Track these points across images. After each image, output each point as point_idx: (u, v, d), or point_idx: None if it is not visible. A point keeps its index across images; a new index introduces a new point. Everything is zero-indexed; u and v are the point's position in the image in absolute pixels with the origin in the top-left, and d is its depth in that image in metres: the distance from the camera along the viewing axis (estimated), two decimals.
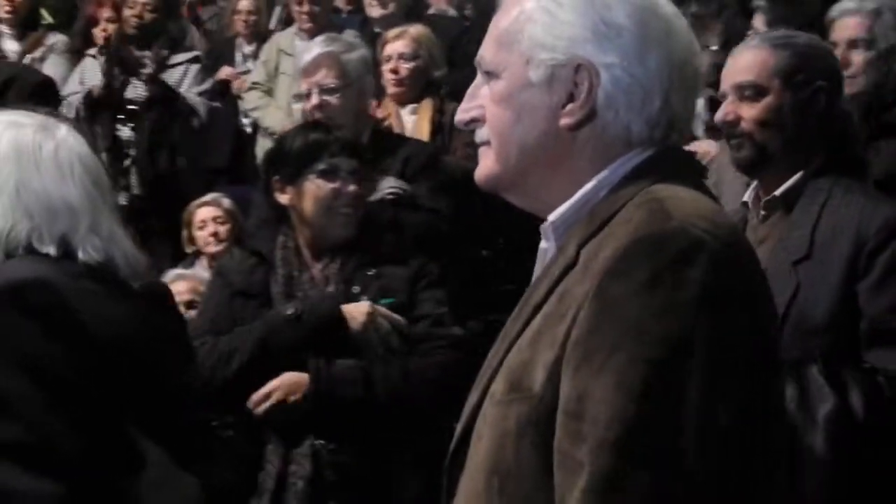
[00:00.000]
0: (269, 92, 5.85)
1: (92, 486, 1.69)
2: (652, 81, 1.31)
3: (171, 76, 5.26)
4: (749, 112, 2.42)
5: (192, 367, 2.09)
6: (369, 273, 2.98)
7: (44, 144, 1.84)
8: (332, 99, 3.53)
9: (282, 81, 5.78)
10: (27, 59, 5.44)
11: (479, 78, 1.39)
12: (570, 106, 1.32)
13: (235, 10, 6.66)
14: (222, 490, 2.04)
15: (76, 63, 5.52)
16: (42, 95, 3.69)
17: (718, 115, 2.47)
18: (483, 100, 1.38)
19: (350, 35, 4.81)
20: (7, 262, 1.76)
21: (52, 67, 5.33)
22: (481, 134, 1.40)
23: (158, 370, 1.84)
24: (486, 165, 1.39)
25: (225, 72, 6.12)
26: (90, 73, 5.25)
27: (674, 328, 1.17)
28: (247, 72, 6.28)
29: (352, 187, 3.00)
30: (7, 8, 5.64)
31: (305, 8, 5.71)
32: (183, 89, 5.25)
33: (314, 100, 3.54)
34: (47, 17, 6.06)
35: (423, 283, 3.03)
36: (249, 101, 5.90)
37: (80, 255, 1.80)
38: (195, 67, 5.37)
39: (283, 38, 6.04)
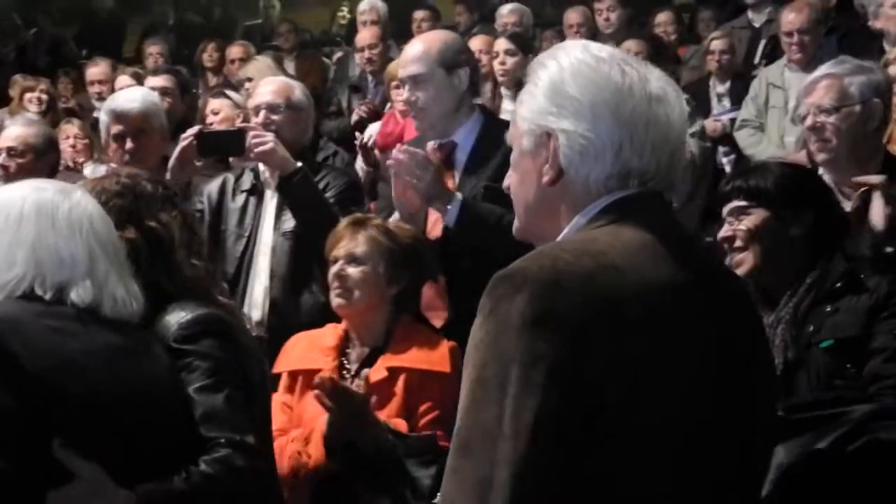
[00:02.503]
0: (761, 127, 5.75)
1: (10, 499, 1.91)
2: (602, 141, 1.58)
3: None
4: None
5: (163, 397, 2.20)
6: (827, 309, 2.68)
7: (60, 205, 2.15)
8: (826, 119, 3.40)
9: (772, 115, 5.66)
10: None
11: None
12: (545, 167, 1.61)
13: (708, 49, 6.65)
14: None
15: None
16: None
17: None
18: None
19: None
20: None
21: None
22: None
23: (111, 394, 2.06)
24: (515, 223, 1.72)
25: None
26: None
27: (503, 350, 1.44)
28: (723, 113, 6.26)
29: None
30: (501, 70, 6.02)
31: (795, 39, 5.55)
32: None
33: (808, 121, 3.44)
34: None
35: (886, 312, 2.65)
36: (741, 138, 5.82)
37: (72, 297, 2.10)
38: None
39: (772, 72, 5.91)
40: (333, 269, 3.21)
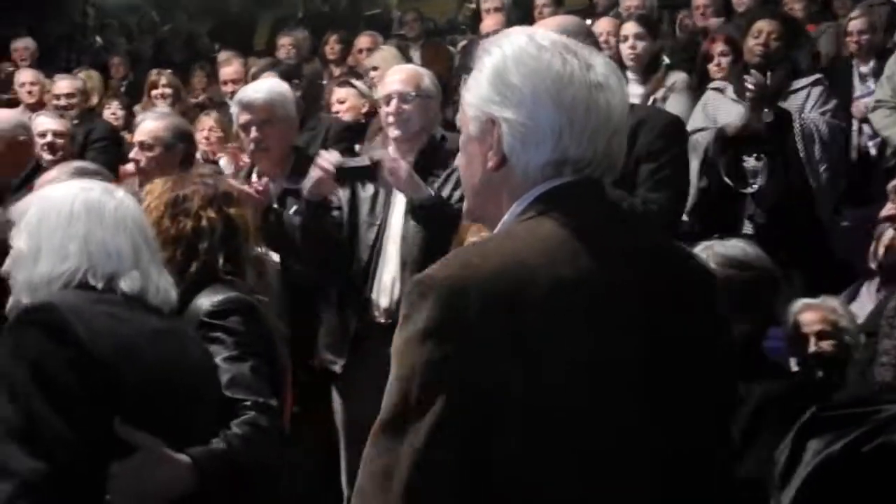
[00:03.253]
0: None
1: (77, 468, 2.12)
2: (542, 129, 1.61)
3: (793, 101, 5.16)
4: None
5: (199, 373, 2.42)
6: None
7: (107, 204, 2.38)
8: None
9: None
10: (650, 101, 5.65)
11: None
12: (489, 153, 1.66)
13: (846, 30, 6.42)
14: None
15: (696, 99, 5.63)
16: (671, 134, 3.81)
17: None
18: None
19: None
20: (52, 293, 2.27)
21: (673, 105, 5.50)
22: None
23: (162, 374, 2.27)
24: (464, 204, 1.81)
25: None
26: (715, 109, 5.32)
27: (412, 354, 1.52)
28: (867, 94, 6.02)
29: None
30: (630, 54, 5.93)
31: None
32: (805, 112, 5.12)
33: None
34: (665, 58, 6.26)
35: None
36: (876, 120, 5.61)
37: (122, 286, 2.32)
38: (817, 90, 5.21)
39: None
40: None
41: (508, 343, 1.49)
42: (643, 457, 1.55)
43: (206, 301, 2.64)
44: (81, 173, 3.55)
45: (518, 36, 1.69)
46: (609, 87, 1.65)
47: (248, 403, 2.48)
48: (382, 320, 4.06)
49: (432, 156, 4.08)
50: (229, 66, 7.55)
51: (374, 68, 6.65)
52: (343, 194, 4.18)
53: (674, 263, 1.70)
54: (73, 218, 2.34)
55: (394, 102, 4.10)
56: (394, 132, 4.13)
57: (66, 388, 2.14)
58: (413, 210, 3.96)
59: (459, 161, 1.78)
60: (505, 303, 1.50)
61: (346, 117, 6.05)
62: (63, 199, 2.38)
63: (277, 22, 11.33)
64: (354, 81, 6.35)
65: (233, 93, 7.08)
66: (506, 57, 1.66)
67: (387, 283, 4.06)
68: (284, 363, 2.82)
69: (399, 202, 4.09)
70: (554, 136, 1.62)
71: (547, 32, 1.72)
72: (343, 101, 6.11)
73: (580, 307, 1.54)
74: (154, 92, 7.49)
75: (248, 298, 2.72)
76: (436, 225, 3.90)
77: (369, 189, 4.15)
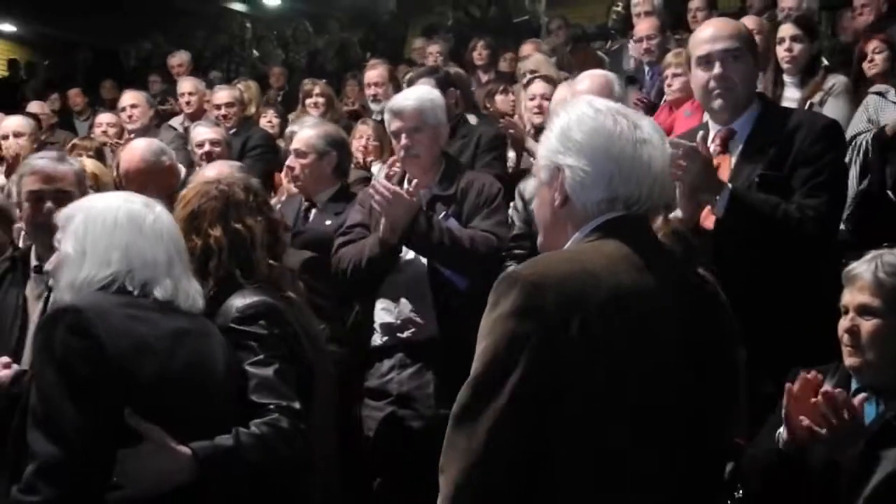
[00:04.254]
0: None
1: (89, 453, 2.36)
2: (597, 174, 2.07)
3: None
4: None
5: (217, 374, 2.61)
6: None
7: (147, 216, 2.64)
8: None
9: None
10: (807, 105, 5.49)
11: None
12: (555, 193, 2.11)
13: None
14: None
15: (855, 103, 5.45)
16: (829, 138, 3.69)
17: None
18: None
19: None
20: (82, 294, 2.52)
21: (832, 110, 5.32)
22: None
23: (177, 371, 2.49)
24: (538, 238, 2.21)
25: None
26: (877, 112, 5.14)
27: (500, 333, 1.93)
28: None
29: None
30: (787, 57, 5.76)
31: None
32: None
33: None
34: (824, 61, 6.07)
35: None
36: None
37: (155, 293, 2.57)
38: None
39: None
40: None
41: (576, 330, 1.90)
42: (670, 448, 1.97)
43: (233, 306, 2.80)
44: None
45: (580, 103, 2.15)
46: (652, 142, 2.09)
47: (272, 406, 2.66)
48: None
49: None
50: (373, 70, 7.64)
51: (532, 71, 6.67)
52: (519, 204, 4.19)
53: (697, 285, 2.13)
54: (116, 227, 2.60)
55: None
56: None
57: (83, 381, 2.38)
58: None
59: (534, 205, 2.23)
60: (575, 299, 1.92)
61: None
62: (107, 209, 2.63)
63: (426, 30, 11.45)
64: (547, 74, 6.34)
65: (374, 95, 7.24)
66: (570, 119, 2.11)
67: None
68: (311, 361, 2.93)
69: None
70: (605, 179, 2.06)
71: (604, 100, 2.17)
72: (548, 98, 6.05)
73: (634, 310, 1.95)
74: (308, 101, 7.66)
75: (273, 302, 2.86)
76: None
77: None
